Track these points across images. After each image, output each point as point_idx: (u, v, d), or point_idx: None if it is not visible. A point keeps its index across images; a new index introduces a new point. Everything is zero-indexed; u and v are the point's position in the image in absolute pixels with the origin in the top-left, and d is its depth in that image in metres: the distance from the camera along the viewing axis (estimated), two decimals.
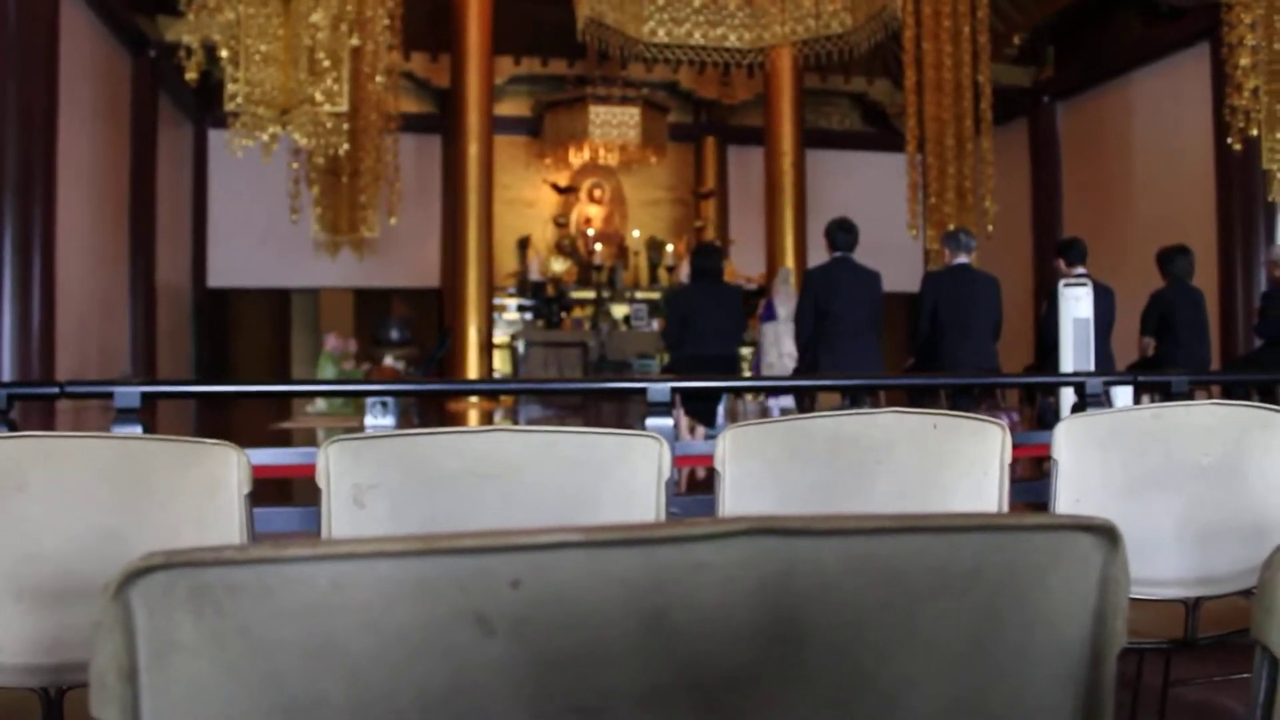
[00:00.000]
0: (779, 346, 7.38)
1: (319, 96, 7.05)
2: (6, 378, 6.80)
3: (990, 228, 9.33)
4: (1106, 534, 0.66)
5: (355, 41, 7.50)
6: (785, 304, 7.61)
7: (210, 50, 7.29)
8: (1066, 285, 3.82)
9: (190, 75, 7.06)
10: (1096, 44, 11.15)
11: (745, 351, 9.25)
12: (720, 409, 5.59)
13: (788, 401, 6.41)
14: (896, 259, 9.83)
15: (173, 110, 11.32)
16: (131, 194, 10.03)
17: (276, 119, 7.13)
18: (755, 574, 0.59)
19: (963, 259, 6.20)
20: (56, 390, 2.50)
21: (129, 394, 2.36)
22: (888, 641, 0.64)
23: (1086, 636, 0.68)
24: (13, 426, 2.33)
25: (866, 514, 0.62)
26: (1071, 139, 11.84)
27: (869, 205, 10.36)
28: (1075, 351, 3.73)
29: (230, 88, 7.08)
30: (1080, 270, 6.06)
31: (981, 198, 9.43)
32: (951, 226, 8.19)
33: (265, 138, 7.09)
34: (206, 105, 11.49)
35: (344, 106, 7.30)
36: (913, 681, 0.65)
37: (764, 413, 7.08)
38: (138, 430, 2.26)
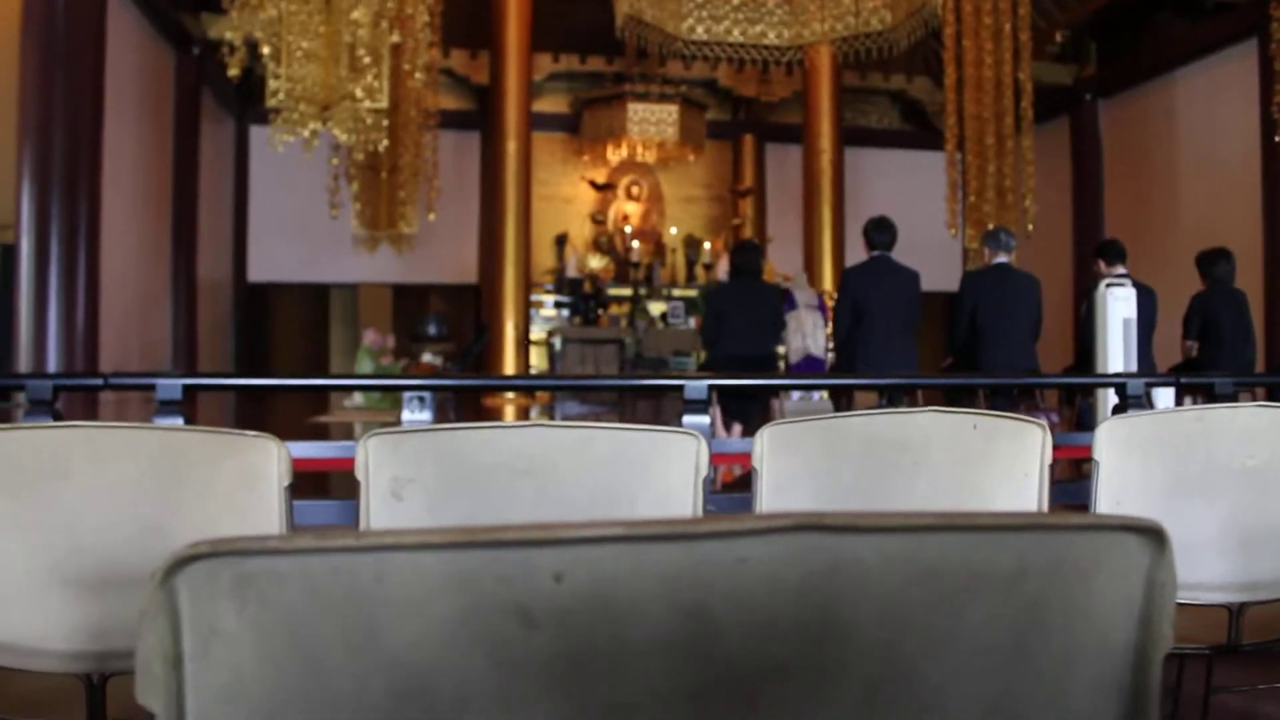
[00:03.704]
0: (802, 330, 7.54)
1: (359, 93, 7.10)
2: (51, 369, 6.90)
3: (1030, 227, 9.24)
4: (1153, 535, 0.65)
5: (396, 38, 7.54)
6: (801, 291, 8.22)
7: (253, 47, 7.35)
8: (1109, 285, 3.78)
9: (233, 72, 7.13)
10: (1139, 41, 11.00)
11: (783, 350, 9.25)
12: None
13: (814, 395, 6.42)
14: (935, 258, 9.77)
15: (215, 106, 11.43)
16: (174, 189, 10.14)
17: (317, 115, 7.18)
18: (798, 570, 0.59)
19: (1003, 258, 6.15)
20: (100, 382, 2.53)
21: (171, 386, 2.39)
22: (929, 640, 0.64)
23: (1131, 640, 0.67)
24: (57, 417, 2.36)
25: (910, 512, 0.62)
26: (1114, 138, 11.69)
27: (908, 204, 10.30)
28: (1123, 352, 3.68)
29: (272, 84, 7.13)
30: (1120, 270, 6.00)
31: (1022, 197, 9.34)
32: (991, 226, 8.13)
33: (306, 134, 7.15)
34: (248, 101, 11.59)
35: (384, 103, 7.34)
36: (954, 681, 0.65)
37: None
38: (179, 422, 2.29)
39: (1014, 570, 0.64)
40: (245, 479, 1.50)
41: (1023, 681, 0.67)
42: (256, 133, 11.74)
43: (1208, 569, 1.92)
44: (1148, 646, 0.67)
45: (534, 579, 0.56)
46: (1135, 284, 4.82)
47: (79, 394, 4.94)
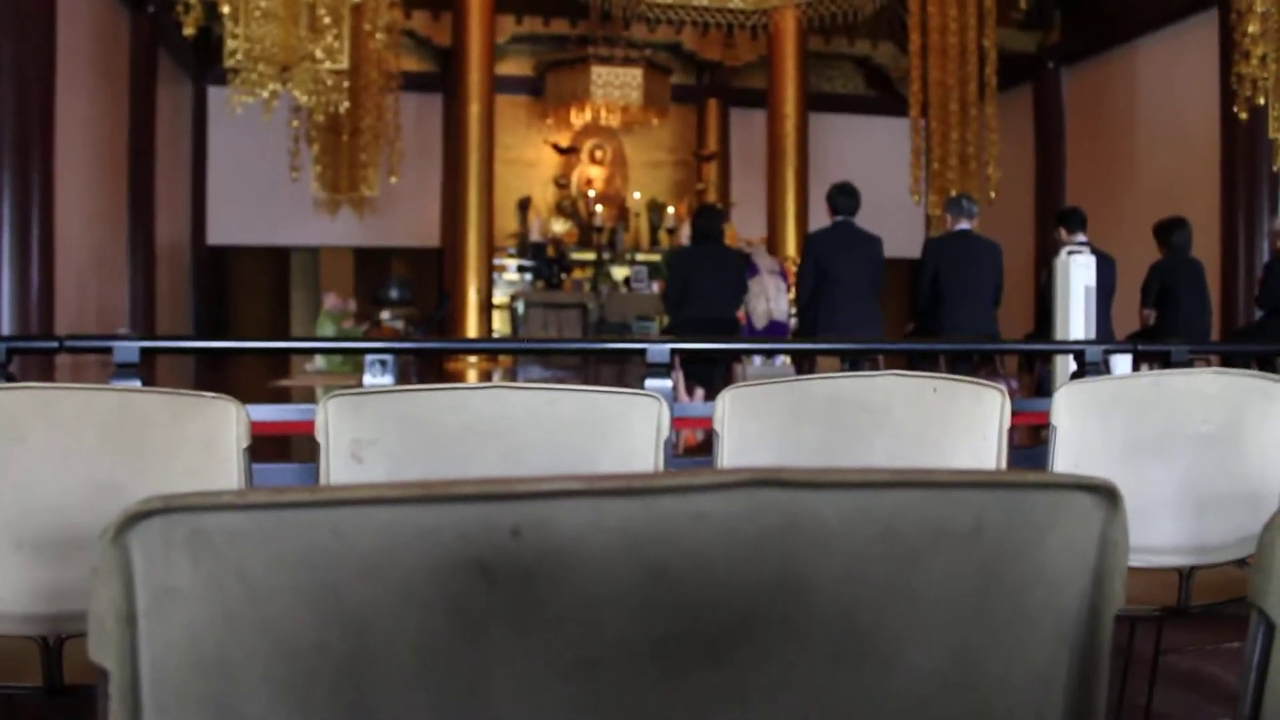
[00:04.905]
0: (765, 295, 7.57)
1: (319, 54, 7.00)
2: (5, 333, 6.79)
3: (993, 194, 9.29)
4: (1107, 494, 0.66)
5: None
6: (763, 258, 8.16)
7: (210, 6, 7.22)
8: (1070, 253, 3.81)
9: (188, 31, 7.00)
10: (1103, 8, 11.04)
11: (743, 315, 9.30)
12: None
13: (776, 360, 6.47)
14: (898, 224, 9.80)
15: (172, 67, 11.23)
16: (130, 151, 9.96)
17: (277, 76, 7.08)
18: (756, 525, 0.59)
19: (965, 225, 6.18)
20: (56, 345, 2.50)
21: (128, 349, 2.36)
22: (887, 596, 0.64)
23: (1084, 597, 0.68)
24: (11, 380, 2.33)
25: (868, 468, 0.62)
26: (1076, 106, 11.76)
27: (871, 169, 10.32)
28: (1084, 319, 3.72)
29: (230, 44, 7.02)
30: (1081, 238, 6.05)
31: (985, 164, 9.38)
32: (954, 192, 8.17)
33: (265, 95, 7.04)
34: (206, 62, 11.39)
35: (344, 64, 7.25)
36: (911, 636, 0.65)
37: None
38: (137, 385, 2.26)
39: (971, 527, 0.64)
40: (204, 441, 1.48)
41: (980, 636, 0.67)
42: (215, 94, 11.56)
43: (1160, 532, 1.96)
44: (1100, 603, 0.68)
45: (492, 535, 0.56)
46: (1095, 252, 4.86)
47: (34, 358, 4.86)
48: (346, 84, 7.53)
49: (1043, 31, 11.98)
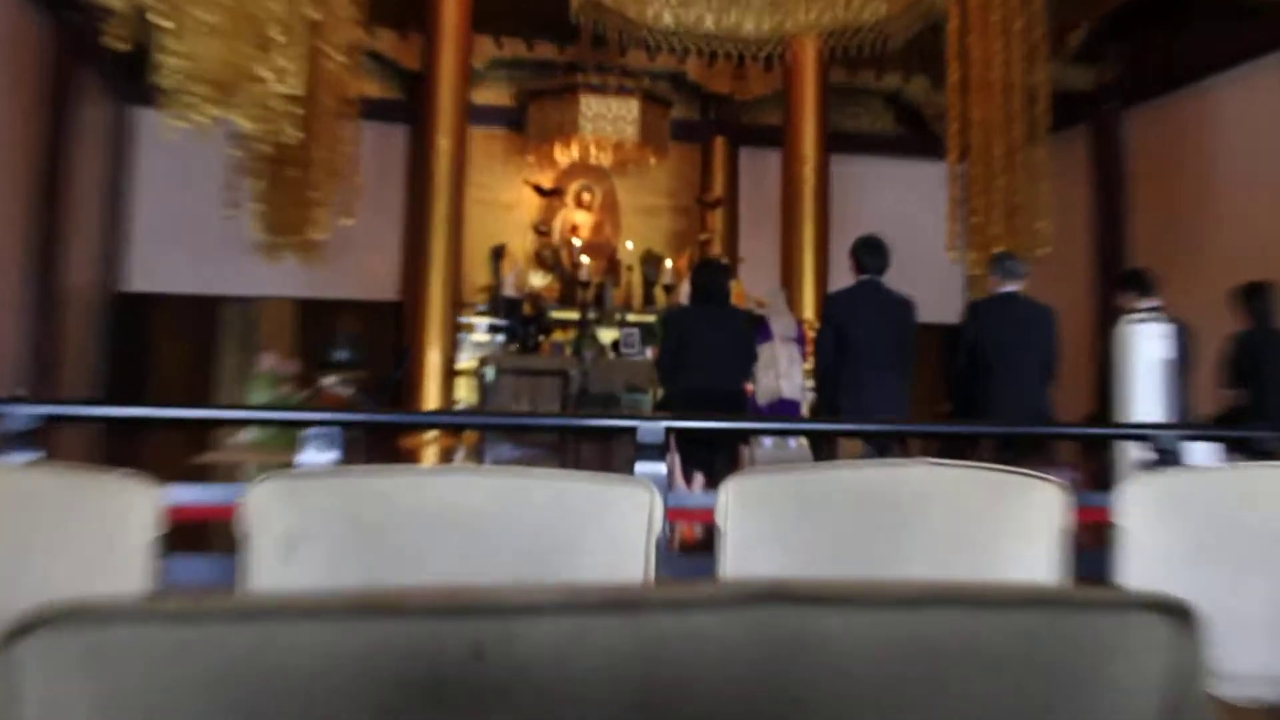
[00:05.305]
0: (775, 368, 7.48)
1: (267, 75, 7.06)
2: None
3: (1040, 252, 9.34)
4: (1180, 615, 0.66)
5: (314, 14, 7.51)
6: (778, 319, 7.97)
7: (142, 16, 7.30)
8: (1138, 321, 3.82)
9: (115, 45, 7.05)
10: (1170, 43, 11.21)
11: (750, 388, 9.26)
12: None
13: (790, 442, 6.46)
14: (933, 284, 9.86)
15: (92, 84, 11.34)
16: (36, 179, 10.00)
17: (217, 99, 7.13)
18: (758, 645, 0.58)
19: (1011, 287, 6.20)
20: None
21: (22, 416, 2.35)
22: None
23: None
24: None
25: (890, 582, 0.62)
26: (1140, 151, 11.88)
27: (902, 221, 10.39)
28: (1157, 398, 3.72)
29: (167, 61, 7.07)
30: (1152, 303, 6.03)
31: (1034, 216, 9.45)
32: (998, 249, 8.22)
33: (206, 120, 7.08)
34: (133, 80, 11.49)
35: (297, 88, 7.30)
36: None
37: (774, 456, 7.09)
38: (32, 458, 2.24)
39: (1015, 653, 0.63)
40: (107, 528, 1.47)
41: None
42: (143, 116, 11.65)
43: (1249, 657, 1.94)
44: None
45: (447, 654, 0.55)
46: (1171, 319, 4.86)
47: None
48: (300, 111, 7.58)
49: (1100, 66, 12.14)
